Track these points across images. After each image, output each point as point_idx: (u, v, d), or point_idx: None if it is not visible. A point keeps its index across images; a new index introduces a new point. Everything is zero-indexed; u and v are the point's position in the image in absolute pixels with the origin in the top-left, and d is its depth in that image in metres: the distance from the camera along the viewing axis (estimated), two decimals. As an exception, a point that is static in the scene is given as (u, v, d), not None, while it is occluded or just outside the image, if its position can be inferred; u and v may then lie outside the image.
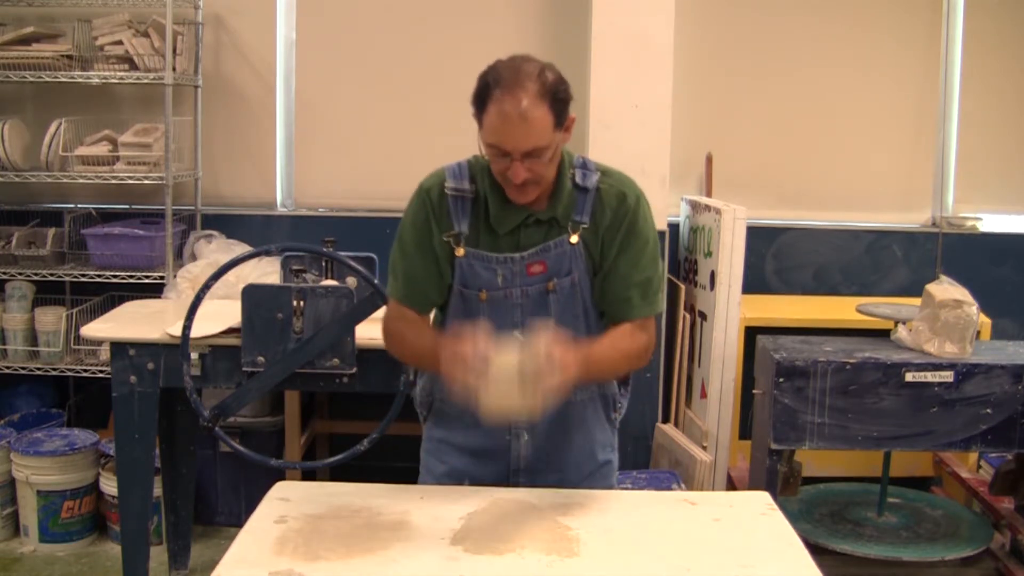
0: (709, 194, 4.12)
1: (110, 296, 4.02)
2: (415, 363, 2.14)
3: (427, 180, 2.10)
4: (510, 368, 1.80)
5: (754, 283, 4.06)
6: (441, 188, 2.06)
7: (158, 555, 3.53)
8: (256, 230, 4.16)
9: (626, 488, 3.17)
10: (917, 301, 3.12)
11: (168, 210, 3.82)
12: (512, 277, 2.05)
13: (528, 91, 1.88)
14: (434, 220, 2.06)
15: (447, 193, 2.05)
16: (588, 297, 2.09)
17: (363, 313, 2.83)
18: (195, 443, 3.53)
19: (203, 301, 2.81)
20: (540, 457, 2.13)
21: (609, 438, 2.22)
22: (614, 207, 2.05)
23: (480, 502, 1.99)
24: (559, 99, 1.92)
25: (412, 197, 2.11)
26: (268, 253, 3.18)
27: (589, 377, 1.98)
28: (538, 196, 2.01)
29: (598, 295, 2.10)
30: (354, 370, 2.87)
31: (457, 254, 2.05)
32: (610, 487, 2.23)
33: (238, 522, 3.29)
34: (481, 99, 1.92)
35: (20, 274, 3.97)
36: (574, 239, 2.04)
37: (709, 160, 4.16)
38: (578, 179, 2.06)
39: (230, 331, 2.90)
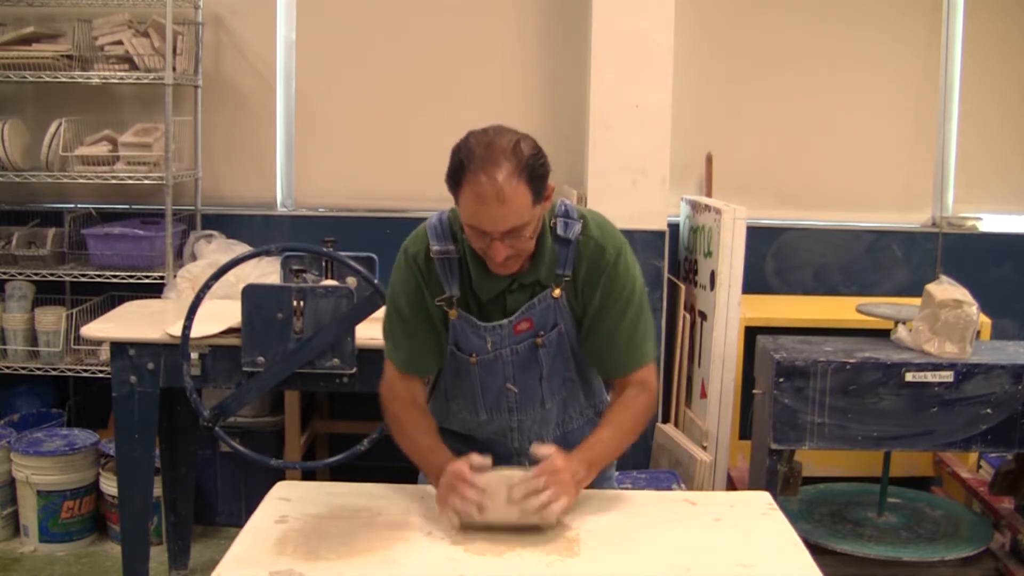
0: (709, 194, 4.12)
1: (110, 296, 4.02)
2: (403, 448, 2.11)
3: (411, 245, 2.04)
4: (505, 502, 1.85)
5: (754, 283, 4.06)
6: (427, 253, 2.00)
7: (158, 555, 3.53)
8: (256, 230, 4.16)
9: (626, 488, 3.17)
10: (917, 301, 3.12)
11: (168, 210, 3.82)
12: (501, 340, 2.02)
13: (503, 169, 1.79)
14: (425, 285, 2.01)
15: (435, 257, 2.00)
16: (577, 344, 2.07)
17: (363, 313, 2.82)
18: (195, 443, 3.53)
19: (203, 301, 2.81)
20: None
21: None
22: (592, 262, 2.00)
23: (480, 502, 1.99)
24: (536, 175, 1.84)
25: (399, 263, 2.06)
26: (268, 253, 3.18)
27: (599, 469, 1.99)
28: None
29: (586, 350, 2.07)
30: (354, 370, 2.87)
31: (451, 316, 2.02)
32: (607, 479, 2.23)
33: (238, 522, 3.30)
34: (455, 178, 1.84)
35: (20, 274, 3.97)
36: (556, 292, 2.00)
37: (709, 160, 4.16)
38: (559, 230, 1.99)
39: (230, 331, 2.90)
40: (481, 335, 2.02)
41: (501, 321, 2.01)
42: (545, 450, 1.90)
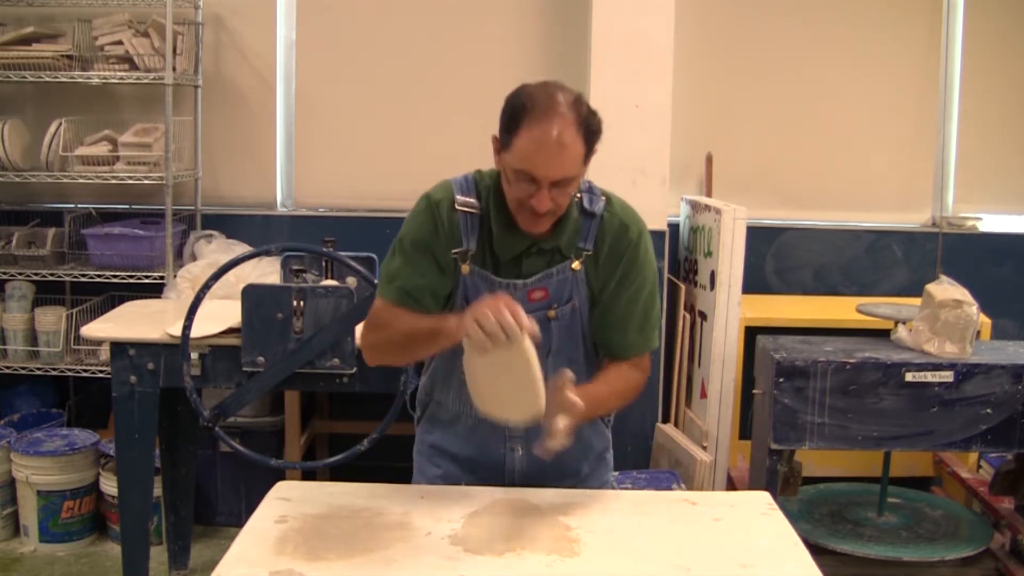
0: (709, 194, 4.12)
1: (110, 296, 4.02)
2: (403, 344, 2.02)
3: (436, 192, 2.03)
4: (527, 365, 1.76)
5: (754, 283, 4.06)
6: (451, 202, 2.00)
7: (158, 555, 3.53)
8: (256, 230, 4.16)
9: (626, 488, 3.17)
10: (917, 301, 3.12)
11: (168, 210, 3.82)
12: None
13: (565, 119, 1.84)
14: (443, 233, 2.00)
15: (458, 209, 2.00)
16: (588, 323, 2.07)
17: (363, 313, 2.81)
18: (195, 443, 3.53)
19: (203, 301, 2.81)
20: (535, 470, 2.09)
21: (602, 436, 2.21)
22: (615, 238, 2.02)
23: (480, 502, 1.99)
24: (591, 131, 1.89)
25: (418, 206, 2.04)
26: (268, 253, 3.18)
27: (588, 416, 1.94)
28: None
29: (595, 327, 2.07)
30: (354, 370, 2.87)
31: (463, 271, 2.01)
32: (605, 482, 2.22)
33: (238, 522, 3.29)
34: (514, 122, 1.86)
35: (20, 274, 3.97)
36: (576, 265, 2.01)
37: (709, 160, 4.16)
38: (585, 203, 2.02)
39: (230, 331, 2.90)
40: (494, 291, 2.00)
41: (516, 281, 2.01)
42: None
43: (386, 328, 2.02)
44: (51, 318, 3.96)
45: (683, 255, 4.00)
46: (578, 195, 2.01)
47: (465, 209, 2.00)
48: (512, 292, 2.00)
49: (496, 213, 1.99)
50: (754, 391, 3.14)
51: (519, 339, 1.74)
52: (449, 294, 2.04)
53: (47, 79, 3.83)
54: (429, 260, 2.01)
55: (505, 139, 1.88)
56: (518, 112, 1.86)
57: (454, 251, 2.00)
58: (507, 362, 1.77)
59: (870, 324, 3.28)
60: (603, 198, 2.04)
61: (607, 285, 2.04)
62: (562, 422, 1.79)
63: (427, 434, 2.20)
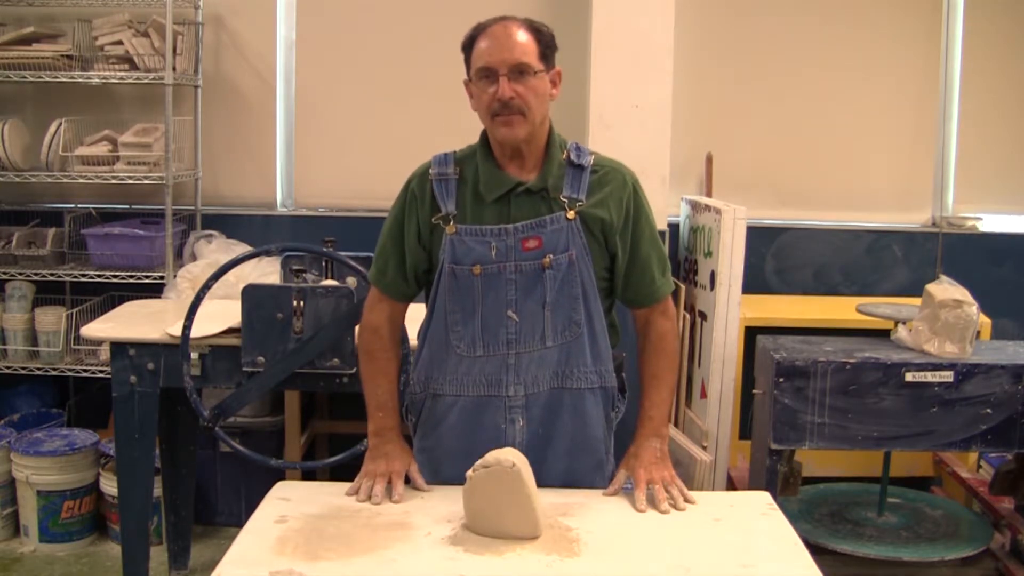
0: (709, 194, 4.12)
1: (110, 296, 4.02)
2: (363, 392, 2.25)
3: (414, 172, 2.17)
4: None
5: (754, 283, 4.06)
6: (425, 175, 2.12)
7: (158, 555, 3.53)
8: (256, 230, 4.16)
9: (626, 488, 3.17)
10: (917, 301, 3.12)
11: (168, 210, 3.82)
12: (506, 251, 2.06)
13: (513, 20, 2.03)
14: (417, 206, 2.12)
15: (431, 178, 2.11)
16: (588, 278, 2.09)
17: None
18: (195, 443, 3.53)
19: (203, 301, 2.81)
20: (535, 439, 2.12)
21: (605, 436, 2.19)
22: (616, 184, 2.12)
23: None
24: (543, 34, 2.04)
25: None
26: (268, 253, 3.18)
27: (668, 426, 2.21)
28: (526, 160, 2.07)
29: (620, 281, 2.15)
30: (354, 370, 2.86)
31: (448, 231, 2.08)
32: (606, 481, 2.22)
33: (238, 522, 3.30)
34: (470, 38, 2.05)
35: (20, 274, 3.97)
36: (571, 215, 2.06)
37: (709, 160, 4.16)
38: (572, 156, 2.11)
39: (230, 331, 2.90)
40: (485, 239, 2.07)
41: (506, 226, 2.06)
42: (620, 482, 2.09)
43: (361, 363, 2.22)
44: (51, 318, 3.96)
45: (683, 255, 4.00)
46: (565, 151, 2.10)
47: (440, 177, 2.11)
48: (503, 239, 2.06)
49: (482, 159, 2.09)
50: (754, 391, 3.14)
51: (518, 474, 1.84)
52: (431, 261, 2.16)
53: (47, 79, 3.83)
54: (396, 240, 2.17)
55: (468, 57, 2.05)
56: (473, 29, 2.05)
57: (435, 218, 2.11)
58: (508, 495, 1.84)
59: (870, 324, 3.28)
60: (591, 155, 2.14)
61: (624, 236, 2.11)
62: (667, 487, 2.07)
63: (423, 440, 2.20)
